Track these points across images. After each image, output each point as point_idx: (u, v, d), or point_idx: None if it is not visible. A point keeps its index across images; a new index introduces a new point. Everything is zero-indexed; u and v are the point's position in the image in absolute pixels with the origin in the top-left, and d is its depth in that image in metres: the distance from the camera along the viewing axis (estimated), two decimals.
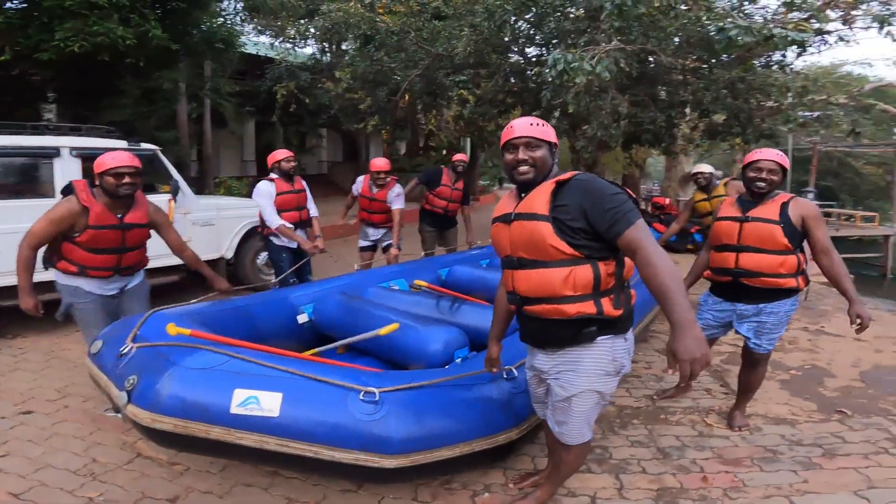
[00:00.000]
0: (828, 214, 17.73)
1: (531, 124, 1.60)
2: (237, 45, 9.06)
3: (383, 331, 2.30)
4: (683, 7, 4.75)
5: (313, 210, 4.10)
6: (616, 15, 3.77)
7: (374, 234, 4.68)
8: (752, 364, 2.60)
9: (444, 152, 17.39)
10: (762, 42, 3.81)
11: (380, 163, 4.42)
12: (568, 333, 1.57)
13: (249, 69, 11.84)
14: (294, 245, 3.91)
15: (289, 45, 11.30)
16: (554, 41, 5.36)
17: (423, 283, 3.30)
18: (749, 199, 2.50)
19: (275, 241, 3.89)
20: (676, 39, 5.67)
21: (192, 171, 10.13)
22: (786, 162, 2.40)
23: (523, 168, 1.58)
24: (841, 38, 5.28)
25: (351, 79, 7.90)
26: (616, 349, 1.60)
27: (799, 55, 5.51)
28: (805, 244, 2.43)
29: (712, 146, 9.19)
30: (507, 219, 1.64)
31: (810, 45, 4.98)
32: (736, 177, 4.83)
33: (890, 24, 4.56)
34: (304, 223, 3.98)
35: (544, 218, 1.50)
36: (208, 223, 4.88)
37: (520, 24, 5.18)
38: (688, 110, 6.83)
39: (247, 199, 5.22)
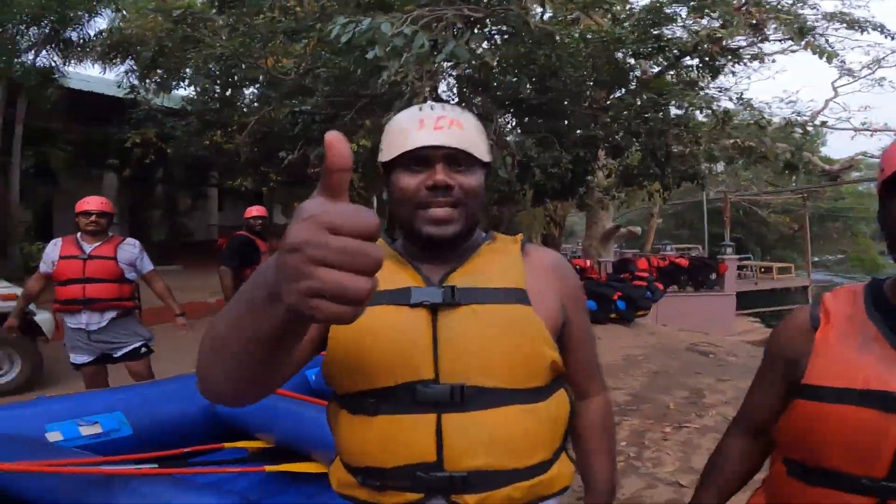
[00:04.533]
0: (744, 267, 17.84)
1: None
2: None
3: None
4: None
5: None
6: None
7: (94, 321, 2.83)
8: None
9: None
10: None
11: (91, 202, 2.88)
12: None
13: (104, 112, 9.90)
14: None
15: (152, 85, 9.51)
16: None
17: None
18: None
19: None
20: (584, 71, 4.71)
21: None
22: None
23: None
24: (754, 57, 4.50)
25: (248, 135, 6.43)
26: None
27: (714, 77, 4.66)
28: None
29: (630, 196, 8.26)
30: None
31: (722, 62, 4.10)
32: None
33: (807, 35, 3.78)
34: None
35: None
36: None
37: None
38: (601, 152, 5.86)
39: None
